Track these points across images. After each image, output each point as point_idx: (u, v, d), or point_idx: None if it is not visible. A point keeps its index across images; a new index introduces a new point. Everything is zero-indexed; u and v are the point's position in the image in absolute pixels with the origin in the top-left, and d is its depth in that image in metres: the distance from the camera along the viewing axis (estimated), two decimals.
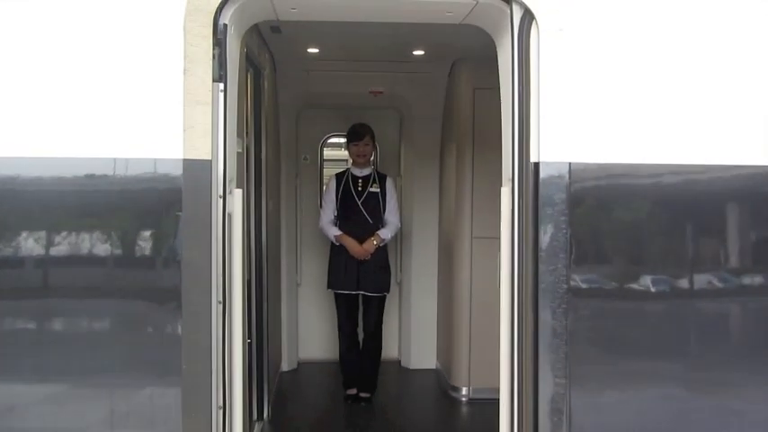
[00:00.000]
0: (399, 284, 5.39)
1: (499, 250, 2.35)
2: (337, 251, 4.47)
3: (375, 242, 4.39)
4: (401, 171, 5.39)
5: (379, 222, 4.49)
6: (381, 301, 4.53)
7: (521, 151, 2.26)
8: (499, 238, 2.34)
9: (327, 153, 5.85)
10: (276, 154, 4.82)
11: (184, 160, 2.17)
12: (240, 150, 2.73)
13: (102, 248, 2.20)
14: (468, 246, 4.49)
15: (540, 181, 2.19)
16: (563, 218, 2.20)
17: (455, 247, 4.59)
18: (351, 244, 4.38)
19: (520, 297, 2.28)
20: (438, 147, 5.10)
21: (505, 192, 2.32)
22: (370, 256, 4.39)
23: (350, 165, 4.67)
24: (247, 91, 3.55)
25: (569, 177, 2.20)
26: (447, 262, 4.81)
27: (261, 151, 4.02)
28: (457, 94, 4.63)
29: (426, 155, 5.12)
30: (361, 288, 4.44)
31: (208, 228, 2.22)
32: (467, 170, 4.48)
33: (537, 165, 2.21)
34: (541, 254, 2.21)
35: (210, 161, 2.21)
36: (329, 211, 4.52)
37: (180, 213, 2.18)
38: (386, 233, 4.44)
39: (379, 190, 4.50)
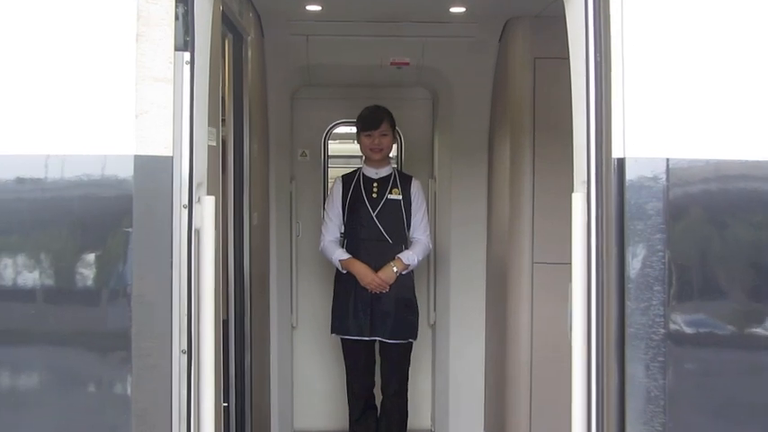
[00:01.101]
0: (432, 327, 5.39)
1: (570, 281, 2.34)
2: (344, 282, 4.49)
3: (396, 269, 4.40)
4: (434, 171, 5.41)
5: (402, 242, 4.52)
6: (406, 351, 4.54)
7: (599, 144, 2.25)
8: (570, 265, 2.34)
9: (333, 147, 5.90)
10: (264, 149, 4.86)
11: (136, 157, 2.19)
12: (214, 143, 2.75)
13: (28, 278, 2.20)
14: (528, 275, 4.47)
15: (627, 184, 2.19)
16: (659, 235, 2.19)
17: (510, 277, 4.58)
18: (362, 272, 4.40)
19: (599, 346, 2.26)
20: (485, 139, 5.11)
21: (578, 200, 2.32)
22: (388, 289, 4.40)
23: (362, 163, 4.70)
24: (225, 63, 3.58)
25: (667, 179, 2.19)
26: (499, 297, 4.80)
27: (243, 145, 4.05)
28: (511, 66, 4.63)
29: (469, 150, 5.13)
30: (378, 333, 4.45)
31: (168, 250, 2.23)
32: (525, 170, 4.47)
33: (621, 162, 2.21)
34: (629, 286, 2.20)
35: (172, 158, 2.22)
36: (333, 226, 4.56)
37: (130, 230, 2.19)
38: (411, 257, 4.45)
39: (401, 197, 4.53)
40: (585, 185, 2.29)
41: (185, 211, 2.26)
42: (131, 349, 2.18)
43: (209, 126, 2.51)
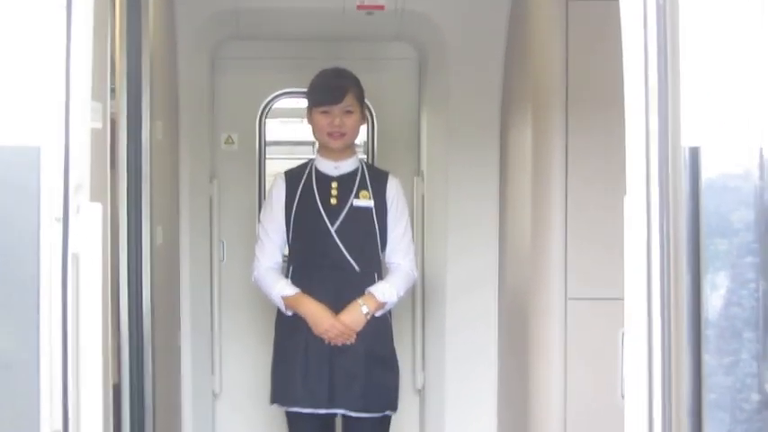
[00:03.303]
0: (420, 393, 5.43)
1: (622, 325, 2.37)
2: (290, 329, 4.50)
3: (366, 309, 4.41)
4: (421, 166, 5.46)
5: (375, 269, 4.54)
6: (382, 428, 4.55)
7: (663, 127, 2.28)
8: (620, 301, 2.36)
9: (274, 130, 5.88)
10: (171, 132, 4.86)
11: None
12: (99, 125, 2.75)
13: None
14: (560, 316, 4.48)
15: (704, 185, 2.21)
16: (750, 258, 2.20)
17: (533, 319, 4.60)
18: (316, 314, 4.40)
19: (665, 419, 2.27)
20: (496, 120, 5.16)
21: (633, 208, 2.34)
22: (355, 339, 4.41)
23: (315, 153, 4.71)
24: (115, 9, 3.59)
25: (761, 176, 2.20)
26: (517, 348, 4.81)
27: (140, 127, 4.07)
28: (534, 13, 4.67)
29: (472, 136, 5.19)
30: (340, 403, 4.45)
31: (32, 286, 2.23)
32: (554, 167, 4.48)
33: (696, 152, 2.23)
34: (707, 333, 2.21)
35: (38, 149, 2.23)
36: (273, 247, 4.57)
37: None
38: (388, 291, 4.46)
39: (373, 203, 4.54)
40: (644, 187, 2.31)
41: (58, 227, 2.26)
42: None
43: (93, 100, 2.51)
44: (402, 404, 4.64)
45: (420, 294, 5.30)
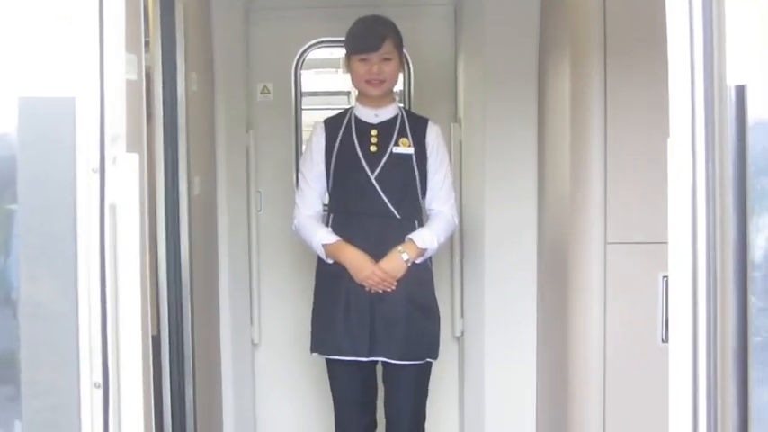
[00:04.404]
0: (459, 341, 5.47)
1: (665, 269, 2.34)
2: (331, 278, 4.52)
3: (407, 256, 4.42)
4: (458, 112, 5.46)
5: (415, 216, 4.55)
6: (423, 376, 4.59)
7: (708, 64, 2.24)
8: (663, 245, 2.35)
9: (310, 81, 5.87)
10: (207, 84, 4.88)
11: (20, 99, 2.20)
12: (134, 77, 2.78)
13: None
14: (600, 260, 4.47)
15: (751, 123, 2.18)
16: None
17: (573, 265, 4.59)
18: (357, 262, 4.41)
19: (710, 361, 2.26)
20: (534, 65, 5.15)
21: (677, 149, 2.31)
22: (396, 286, 4.42)
23: (354, 102, 4.72)
24: None
25: None
26: (557, 293, 4.83)
27: (176, 79, 4.09)
28: None
29: (509, 81, 5.18)
30: (381, 351, 4.48)
31: (70, 236, 2.24)
32: (593, 111, 4.45)
33: (741, 90, 2.20)
34: (754, 274, 2.19)
35: (73, 100, 2.22)
36: (313, 195, 4.57)
37: (14, 208, 2.21)
38: (429, 238, 4.46)
39: (413, 150, 4.54)
40: (688, 128, 2.28)
41: (95, 178, 2.26)
42: (21, 384, 2.20)
43: (126, 52, 2.50)
44: (441, 351, 4.65)
45: (458, 241, 5.33)
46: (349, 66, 4.57)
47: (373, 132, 4.53)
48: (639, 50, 4.08)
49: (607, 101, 4.42)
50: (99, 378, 2.27)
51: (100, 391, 2.27)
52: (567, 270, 4.64)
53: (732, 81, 2.21)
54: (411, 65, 5.53)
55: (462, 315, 5.38)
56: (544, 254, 5.11)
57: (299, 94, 5.64)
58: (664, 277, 3.92)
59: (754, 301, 2.20)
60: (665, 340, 3.98)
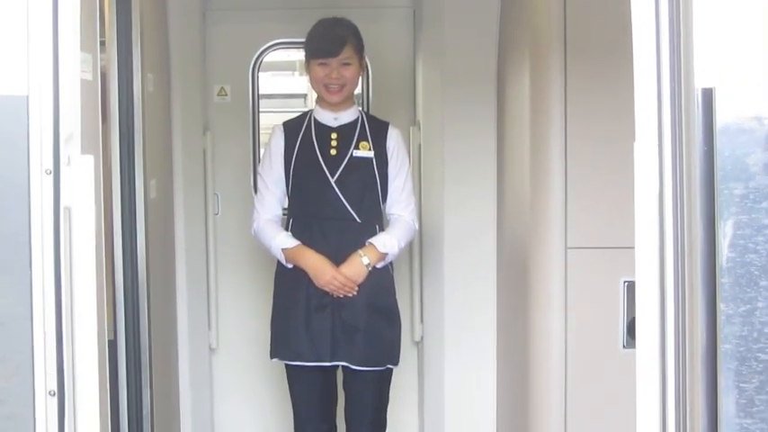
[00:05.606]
0: (418, 346, 5.47)
1: (626, 276, 2.33)
2: (290, 282, 4.50)
3: (367, 261, 4.41)
4: (417, 115, 5.47)
5: (376, 221, 4.55)
6: (383, 382, 4.58)
7: (675, 66, 2.23)
8: (628, 250, 2.35)
9: (267, 83, 5.84)
10: (163, 84, 4.86)
11: None
12: (89, 77, 2.75)
13: None
14: (560, 265, 4.47)
15: (718, 128, 2.17)
16: (767, 203, 2.17)
17: (533, 270, 4.59)
18: (317, 266, 4.40)
19: (678, 370, 2.25)
20: (492, 66, 5.15)
21: (643, 153, 2.30)
22: (357, 291, 4.41)
23: (314, 104, 4.70)
24: None
25: None
26: (517, 298, 4.82)
27: (132, 79, 4.07)
28: None
29: (469, 83, 5.18)
30: (342, 356, 4.46)
31: (23, 240, 2.22)
32: (553, 113, 4.44)
33: (709, 94, 2.18)
34: (722, 281, 2.18)
35: (26, 98, 2.21)
36: (272, 199, 4.55)
37: None
38: (390, 242, 4.46)
39: (373, 154, 4.53)
40: (655, 131, 2.28)
41: (48, 180, 2.24)
42: None
43: (81, 51, 2.49)
44: (402, 357, 4.65)
45: (418, 246, 5.34)
46: (308, 69, 4.56)
47: (333, 136, 4.52)
48: (601, 52, 4.08)
49: (567, 103, 4.42)
50: (54, 386, 2.25)
51: (55, 399, 2.25)
52: (527, 274, 4.64)
53: (699, 83, 2.20)
54: (370, 67, 5.52)
55: (422, 320, 5.39)
56: (504, 256, 5.11)
57: (257, 96, 5.64)
58: (625, 282, 3.92)
59: (723, 307, 2.19)
60: (627, 346, 4.00)
